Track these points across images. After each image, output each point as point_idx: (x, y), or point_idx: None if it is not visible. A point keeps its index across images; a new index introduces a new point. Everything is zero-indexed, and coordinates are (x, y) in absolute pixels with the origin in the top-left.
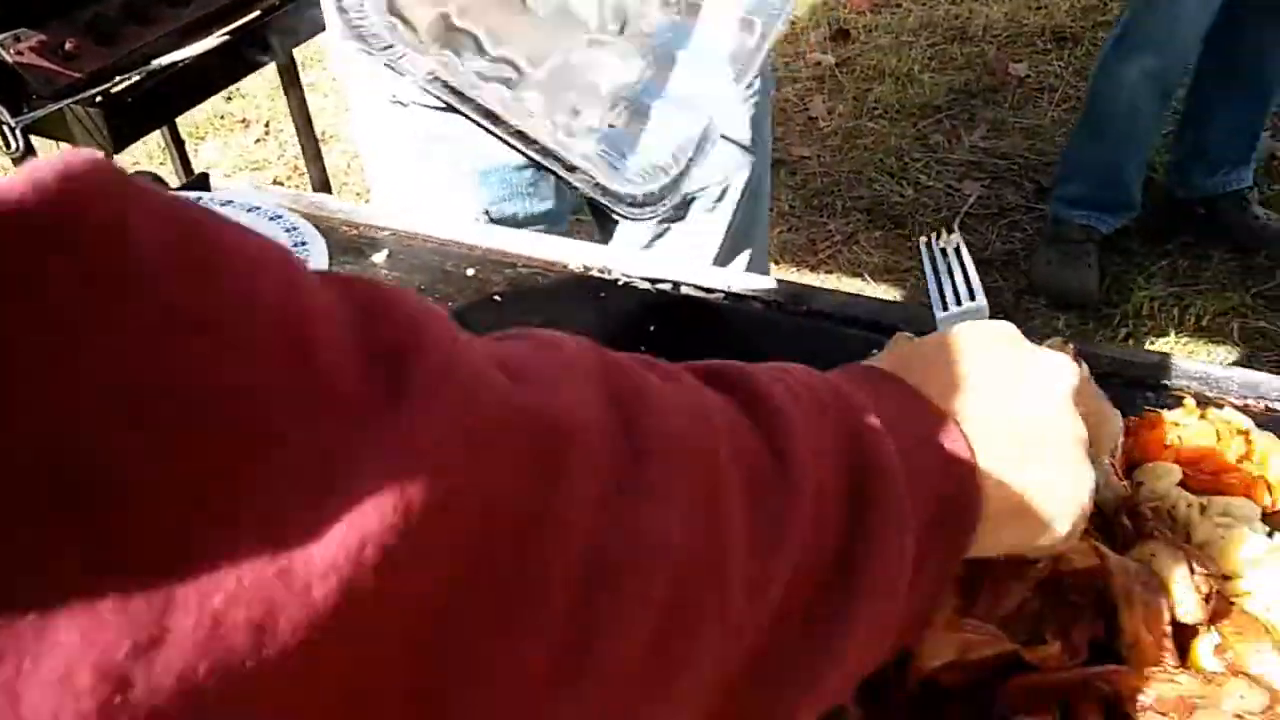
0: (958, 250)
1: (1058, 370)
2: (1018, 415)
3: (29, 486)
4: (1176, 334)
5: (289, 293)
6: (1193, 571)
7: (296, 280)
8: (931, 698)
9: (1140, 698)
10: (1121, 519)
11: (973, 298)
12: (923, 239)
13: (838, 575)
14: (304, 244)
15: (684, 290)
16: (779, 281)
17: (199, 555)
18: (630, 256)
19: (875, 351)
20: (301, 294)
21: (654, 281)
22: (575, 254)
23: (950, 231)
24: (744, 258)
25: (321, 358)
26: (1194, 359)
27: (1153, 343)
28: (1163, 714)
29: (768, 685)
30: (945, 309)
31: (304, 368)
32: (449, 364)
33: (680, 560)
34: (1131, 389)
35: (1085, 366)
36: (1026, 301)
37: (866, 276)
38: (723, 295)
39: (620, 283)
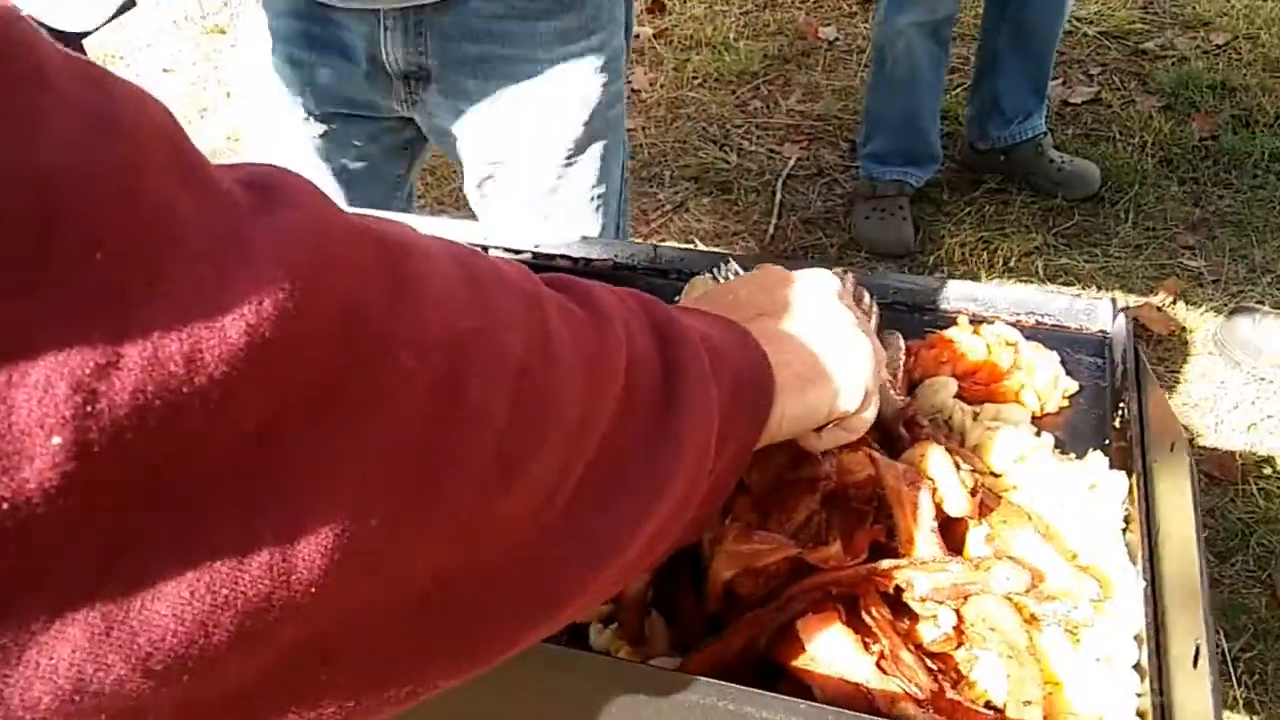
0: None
1: (820, 278)
2: (796, 313)
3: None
4: (987, 275)
5: (172, 122)
6: (958, 468)
7: (175, 121)
8: (731, 610)
9: (917, 588)
10: (899, 429)
11: None
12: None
13: (659, 419)
14: None
15: (491, 254)
16: (583, 239)
17: (141, 299)
18: (429, 223)
19: (677, 299)
20: (181, 132)
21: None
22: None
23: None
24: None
25: (205, 169)
26: (968, 282)
27: None
28: (939, 602)
29: (604, 507)
30: None
31: (192, 174)
32: (302, 184)
33: (521, 369)
34: (913, 313)
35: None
36: (849, 255)
37: (697, 242)
38: (530, 255)
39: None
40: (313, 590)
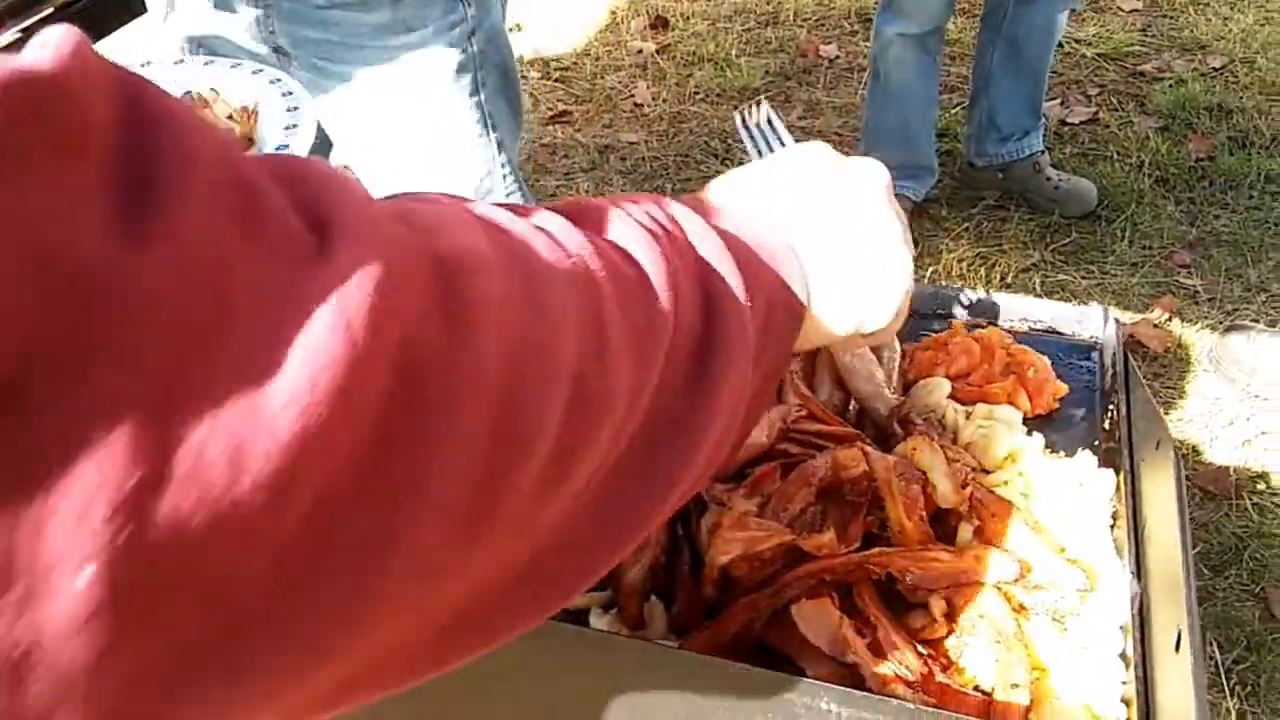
0: (770, 121)
1: (874, 172)
2: (844, 213)
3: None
4: (985, 291)
5: (224, 151)
6: (949, 462)
7: (228, 141)
8: (727, 594)
9: (908, 577)
10: (894, 426)
11: None
12: (736, 113)
13: (696, 378)
14: (290, 93)
15: None
16: None
17: (184, 396)
18: None
19: None
20: (234, 152)
21: None
22: None
23: (759, 105)
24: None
25: (261, 206)
26: (963, 288)
27: None
28: (930, 590)
29: (640, 480)
30: None
31: (247, 216)
32: (363, 216)
33: (576, 375)
34: (911, 319)
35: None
36: None
37: None
38: None
39: None
40: (355, 660)
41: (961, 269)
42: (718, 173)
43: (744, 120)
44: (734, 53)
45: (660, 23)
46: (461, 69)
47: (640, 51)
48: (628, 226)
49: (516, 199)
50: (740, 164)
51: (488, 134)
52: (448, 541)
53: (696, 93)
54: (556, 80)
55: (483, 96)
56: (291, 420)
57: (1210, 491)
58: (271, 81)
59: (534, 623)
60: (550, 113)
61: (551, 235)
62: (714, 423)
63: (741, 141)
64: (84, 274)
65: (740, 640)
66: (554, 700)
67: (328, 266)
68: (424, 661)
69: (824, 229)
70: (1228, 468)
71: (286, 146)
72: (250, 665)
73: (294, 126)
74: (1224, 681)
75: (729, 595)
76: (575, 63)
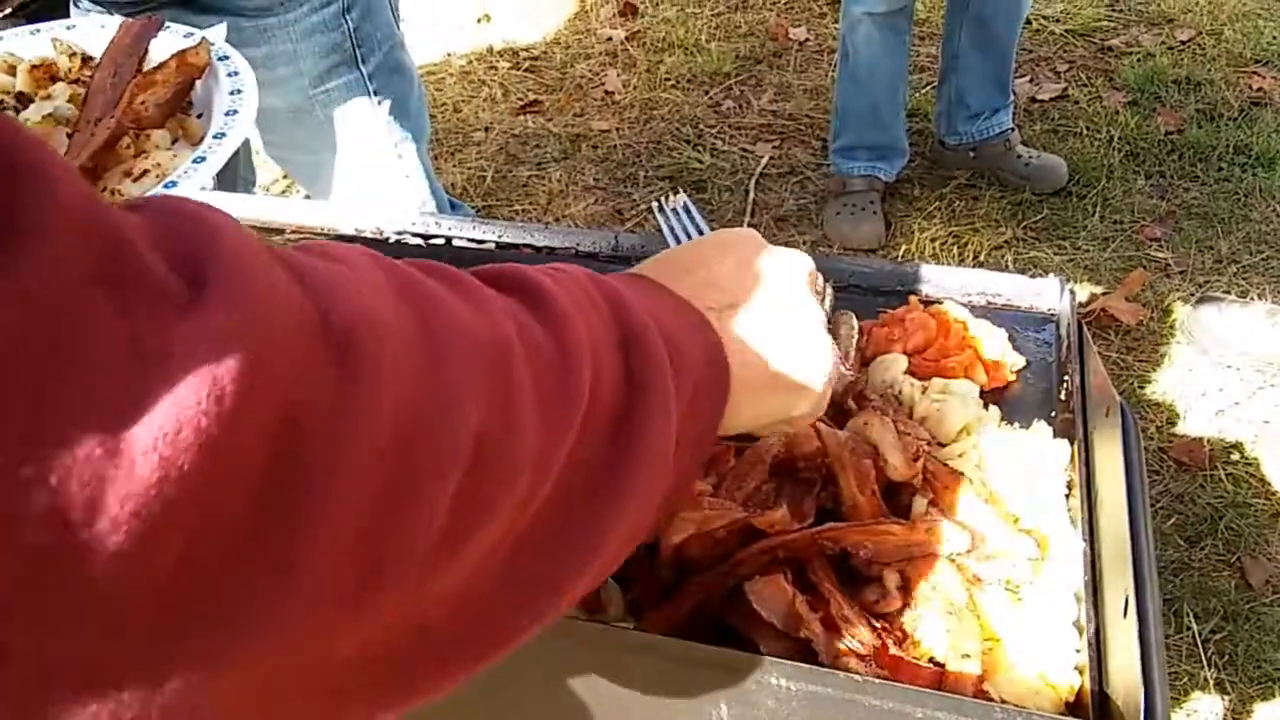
0: (686, 208)
1: (796, 263)
2: (766, 308)
3: None
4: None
5: (88, 200)
6: (900, 435)
7: (93, 193)
8: (683, 574)
9: (862, 551)
10: (849, 403)
11: None
12: (655, 202)
13: (614, 453)
14: (235, 73)
15: (455, 244)
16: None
17: (37, 439)
18: (399, 215)
19: None
20: (99, 203)
21: (426, 238)
22: (346, 219)
23: (677, 192)
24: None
25: (123, 254)
26: (920, 263)
27: None
28: (884, 564)
29: (549, 554)
30: None
31: (108, 264)
32: (243, 273)
33: (477, 443)
34: (868, 295)
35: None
36: (821, 251)
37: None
38: (493, 245)
39: (391, 241)
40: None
41: (934, 248)
42: (690, 159)
43: (660, 205)
44: (704, 38)
45: (629, 9)
46: (337, 47)
47: (610, 39)
48: (550, 298)
49: (418, 180)
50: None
51: (374, 108)
52: (331, 600)
53: (667, 79)
54: (526, 70)
55: (365, 71)
56: (152, 467)
57: (1185, 463)
58: (220, 58)
59: (445, 685)
60: (521, 102)
61: (466, 296)
62: (628, 504)
63: (660, 228)
64: None
65: (696, 619)
66: (512, 685)
67: (198, 321)
68: (322, 712)
69: (753, 323)
70: (1202, 439)
71: (224, 135)
72: (115, 687)
73: (234, 112)
74: (1201, 652)
75: (685, 576)
76: (545, 52)
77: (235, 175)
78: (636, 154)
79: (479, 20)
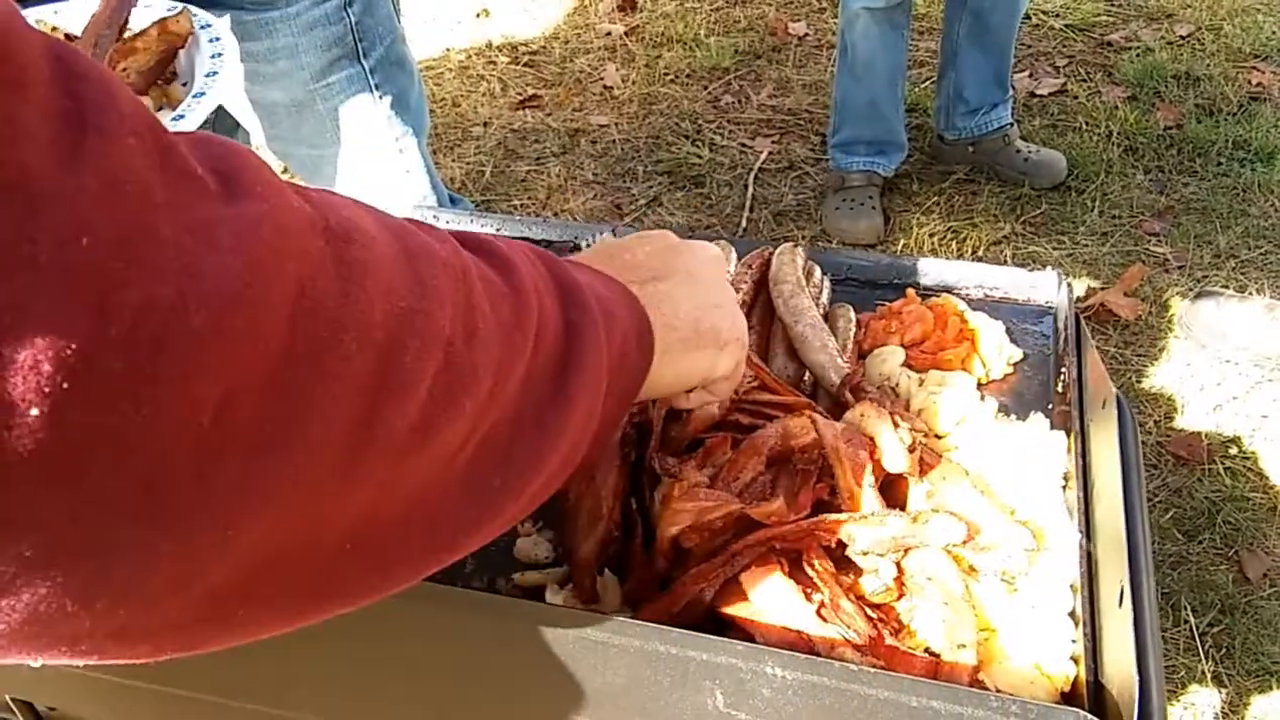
0: None
1: (710, 251)
2: (686, 281)
3: None
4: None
5: (139, 106)
6: (897, 427)
7: (143, 104)
8: (679, 565)
9: (858, 542)
10: (846, 395)
11: None
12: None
13: (557, 385)
14: (217, 39)
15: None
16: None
17: (120, 282)
18: (404, 210)
19: None
20: (148, 111)
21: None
22: None
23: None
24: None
25: (172, 154)
26: (917, 257)
27: None
28: (880, 555)
29: (501, 463)
30: None
31: (167, 161)
32: (262, 178)
33: (447, 345)
34: (865, 288)
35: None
36: (819, 246)
37: None
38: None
39: None
40: (248, 546)
41: (933, 243)
42: (689, 154)
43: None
44: (703, 33)
45: (629, 4)
46: (339, 41)
47: (609, 34)
48: (502, 253)
49: (419, 175)
50: (712, 146)
51: (376, 102)
52: (327, 466)
53: (666, 74)
54: (525, 65)
55: (366, 66)
56: (205, 317)
57: (1183, 457)
58: (202, 26)
59: (413, 578)
60: (520, 97)
61: (431, 234)
62: (566, 431)
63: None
64: (22, 182)
65: (692, 610)
66: (511, 674)
67: (234, 208)
68: (302, 592)
69: (674, 291)
70: (1200, 433)
71: (203, 94)
72: (163, 527)
73: (214, 74)
74: (1199, 645)
75: (681, 567)
76: (544, 46)
77: None
78: (635, 149)
79: (478, 15)
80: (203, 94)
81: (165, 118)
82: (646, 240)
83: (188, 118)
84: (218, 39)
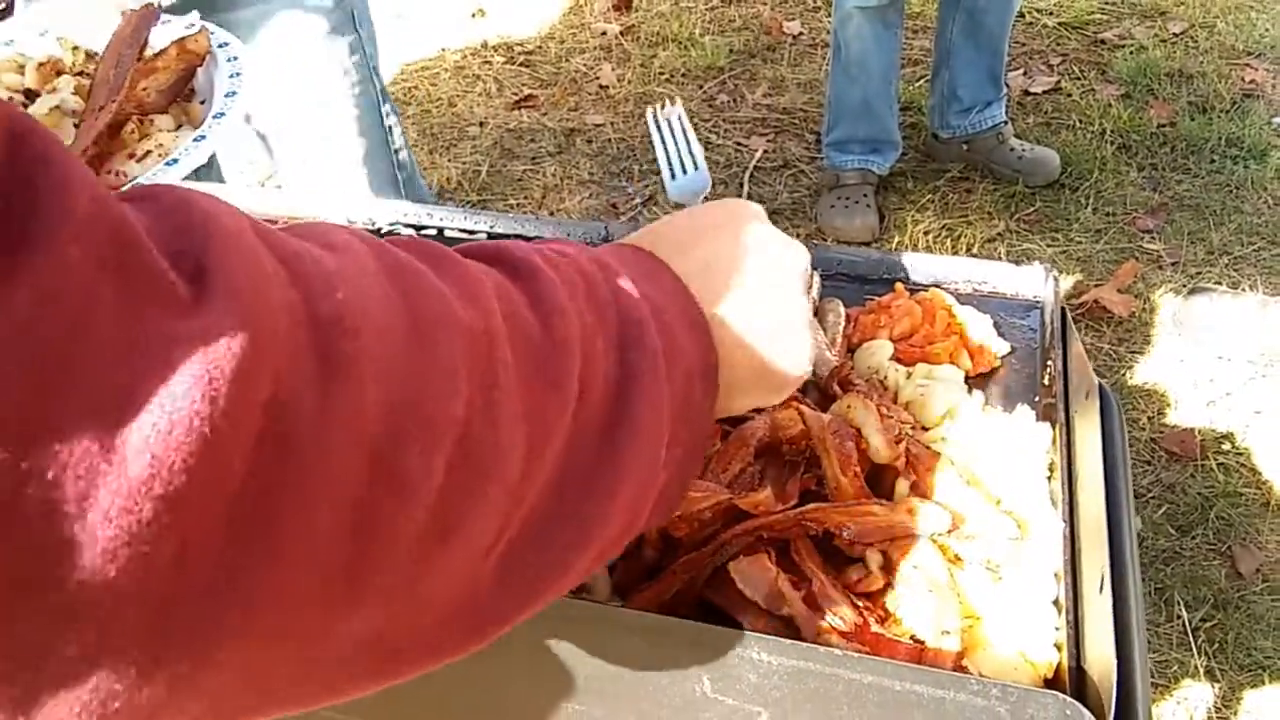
0: (680, 120)
1: (794, 254)
2: (761, 300)
3: None
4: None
5: (96, 194)
6: (883, 418)
7: (100, 187)
8: (668, 555)
9: (844, 532)
10: (834, 387)
11: (696, 167)
12: (649, 109)
13: (606, 450)
14: (235, 59)
15: (448, 234)
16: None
17: (38, 433)
18: (392, 206)
19: None
20: (106, 198)
21: (418, 229)
22: (338, 208)
23: (674, 101)
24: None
25: (128, 248)
26: (907, 252)
27: None
28: (867, 544)
29: (543, 547)
30: (673, 178)
31: (116, 257)
32: (243, 268)
33: (462, 433)
34: (855, 283)
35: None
36: (812, 242)
37: None
38: (485, 236)
39: (384, 232)
40: (226, 678)
41: (927, 241)
42: None
43: (654, 114)
44: (698, 32)
45: (624, 4)
46: (339, 28)
47: (604, 33)
48: (546, 287)
49: (406, 153)
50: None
51: (372, 76)
52: (317, 592)
53: (661, 73)
54: (521, 64)
55: (365, 55)
56: (144, 465)
57: (1176, 453)
58: (219, 45)
59: (431, 668)
60: (515, 97)
61: (457, 283)
62: (619, 500)
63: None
64: None
65: (682, 599)
66: (499, 662)
67: (199, 319)
68: (311, 695)
69: (741, 315)
70: (1193, 429)
71: (223, 115)
72: (118, 674)
73: (234, 93)
74: (1191, 640)
75: (670, 556)
76: (539, 46)
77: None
78: (631, 148)
79: (473, 15)
80: (223, 114)
81: (187, 137)
82: (729, 230)
83: (208, 138)
84: (236, 58)
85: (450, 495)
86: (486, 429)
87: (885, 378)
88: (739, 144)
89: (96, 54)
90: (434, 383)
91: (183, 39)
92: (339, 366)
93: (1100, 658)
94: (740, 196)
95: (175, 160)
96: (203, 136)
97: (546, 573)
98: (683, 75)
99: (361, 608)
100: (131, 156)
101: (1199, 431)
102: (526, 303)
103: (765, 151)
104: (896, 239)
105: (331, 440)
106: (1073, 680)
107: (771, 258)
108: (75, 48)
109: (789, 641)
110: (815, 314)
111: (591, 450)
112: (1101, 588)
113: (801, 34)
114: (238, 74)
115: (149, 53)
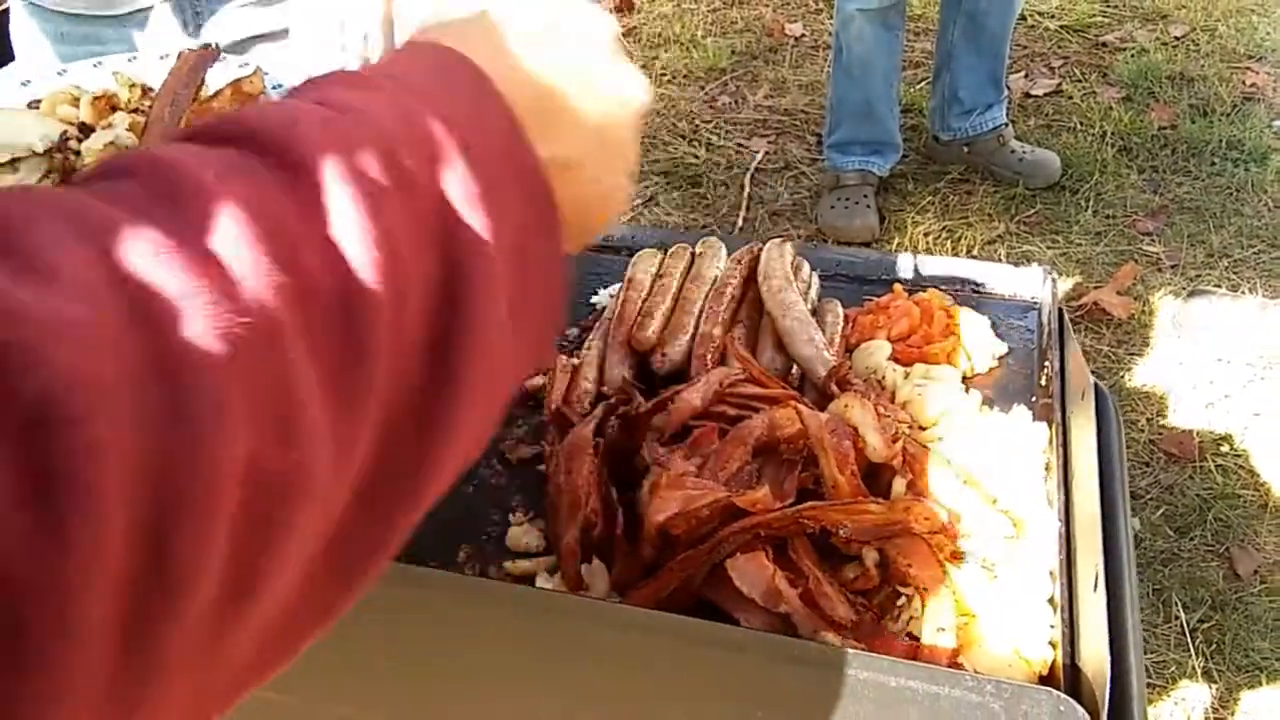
0: None
1: (601, 21)
2: (584, 90)
3: None
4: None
5: None
6: (880, 418)
7: None
8: (667, 553)
9: (841, 530)
10: (831, 387)
11: None
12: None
13: (438, 375)
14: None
15: None
16: None
17: None
18: None
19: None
20: None
21: None
22: None
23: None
24: None
25: None
26: (905, 254)
27: None
28: (864, 542)
29: (383, 499)
30: None
31: None
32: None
33: (247, 478)
34: (854, 284)
35: None
36: (811, 243)
37: None
38: None
39: None
40: None
41: (928, 242)
42: (686, 154)
43: None
44: (700, 33)
45: (626, 5)
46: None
47: None
48: (342, 196)
49: None
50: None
51: None
52: (92, 695)
53: (663, 74)
54: None
55: None
56: None
57: (1174, 455)
58: (274, 86)
59: (279, 669)
60: None
61: (217, 270)
62: (461, 426)
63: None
64: None
65: (680, 596)
66: (496, 659)
67: None
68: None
69: (565, 112)
70: (1192, 431)
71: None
72: None
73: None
74: (1189, 641)
75: (668, 554)
76: None
77: None
78: None
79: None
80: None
81: None
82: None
83: None
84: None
85: (242, 551)
86: (280, 454)
87: (883, 378)
88: (740, 145)
89: (153, 90)
90: (195, 430)
91: (238, 80)
92: (64, 462)
93: (1094, 655)
94: (741, 199)
95: None
96: None
97: (377, 547)
98: (684, 76)
99: (169, 690)
100: None
101: (1198, 433)
102: (310, 244)
103: (766, 153)
104: (896, 240)
105: (72, 605)
106: (1067, 677)
107: (587, 34)
108: (132, 84)
109: (786, 639)
110: (814, 314)
111: (419, 389)
112: (1096, 586)
113: (803, 36)
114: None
115: (205, 93)
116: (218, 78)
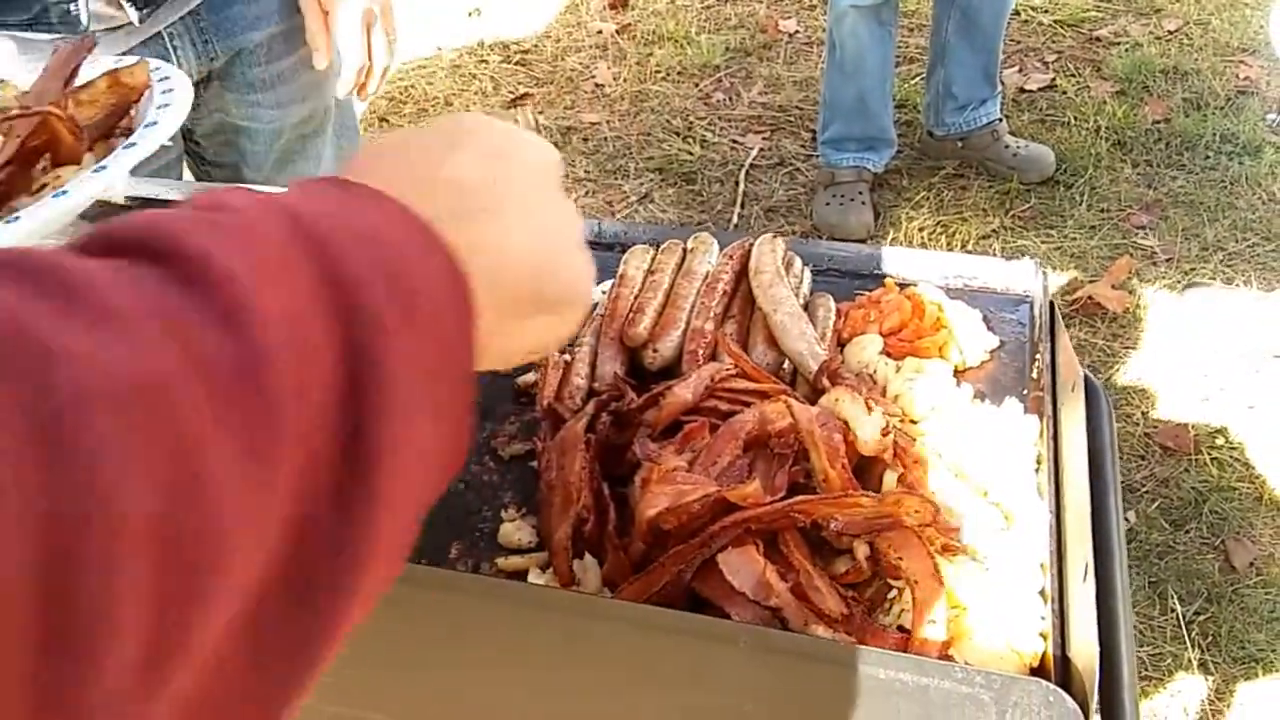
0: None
1: (543, 151)
2: (523, 215)
3: None
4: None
5: None
6: (870, 410)
7: None
8: (659, 547)
9: (832, 524)
10: (823, 381)
11: None
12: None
13: (352, 465)
14: (170, 90)
15: None
16: None
17: None
18: None
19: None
20: None
21: None
22: None
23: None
24: None
25: None
26: (897, 248)
27: None
28: (854, 536)
29: (300, 605)
30: None
31: None
32: None
33: (157, 533)
34: (846, 278)
35: None
36: (803, 238)
37: None
38: None
39: None
40: None
41: (923, 237)
42: (680, 151)
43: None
44: (694, 30)
45: (620, 2)
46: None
47: (600, 32)
48: (225, 279)
49: None
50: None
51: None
52: None
53: (657, 71)
54: (517, 63)
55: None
56: None
57: (1170, 448)
58: (160, 79)
59: None
60: (511, 95)
61: (99, 318)
62: (383, 515)
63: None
64: None
65: (671, 590)
66: (489, 654)
67: None
68: None
69: (504, 240)
70: (1187, 424)
71: (134, 145)
72: None
73: (153, 124)
74: (1185, 633)
75: (659, 549)
76: (535, 45)
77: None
78: (627, 146)
79: (469, 14)
80: (134, 144)
81: (88, 168)
82: (462, 142)
83: (111, 168)
84: (171, 90)
85: (151, 626)
86: (188, 515)
87: (875, 372)
88: (735, 142)
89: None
90: (97, 490)
91: (116, 71)
92: None
93: (1084, 646)
94: (736, 195)
95: (65, 192)
96: (104, 167)
97: (306, 637)
98: (679, 73)
99: None
100: (31, 193)
101: (1193, 426)
102: (201, 315)
103: (761, 149)
104: (891, 236)
105: None
106: (1057, 668)
107: (521, 160)
108: (2, 81)
109: (776, 631)
110: (805, 309)
111: (334, 466)
112: (1086, 577)
113: (797, 32)
114: (166, 105)
115: (75, 86)
116: (98, 70)
